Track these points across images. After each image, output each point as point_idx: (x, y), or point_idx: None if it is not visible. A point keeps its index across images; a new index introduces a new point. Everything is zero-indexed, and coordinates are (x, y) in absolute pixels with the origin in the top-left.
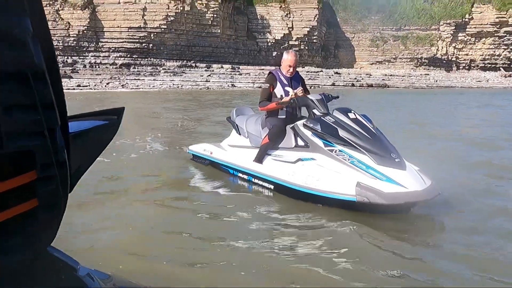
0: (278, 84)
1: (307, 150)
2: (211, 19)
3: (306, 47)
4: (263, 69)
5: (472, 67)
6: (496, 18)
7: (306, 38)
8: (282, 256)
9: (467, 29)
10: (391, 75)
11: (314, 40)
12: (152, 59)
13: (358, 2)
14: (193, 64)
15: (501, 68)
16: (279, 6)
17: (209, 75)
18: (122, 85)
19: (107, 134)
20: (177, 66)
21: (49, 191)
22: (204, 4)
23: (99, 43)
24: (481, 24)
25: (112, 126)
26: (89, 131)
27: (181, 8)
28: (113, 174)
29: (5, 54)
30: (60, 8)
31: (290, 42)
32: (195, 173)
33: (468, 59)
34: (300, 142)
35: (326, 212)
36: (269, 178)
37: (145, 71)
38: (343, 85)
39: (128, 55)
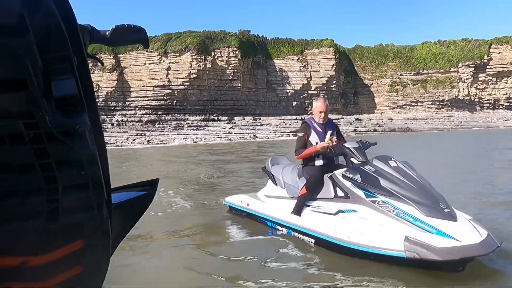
0: (313, 132)
1: (347, 201)
2: (232, 74)
3: (326, 96)
4: (283, 119)
5: (497, 107)
6: None
7: (325, 87)
8: None
9: (487, 70)
10: (413, 119)
11: (333, 88)
12: (176, 114)
13: (374, 50)
14: (216, 118)
15: None
16: (297, 58)
17: (231, 127)
18: (148, 141)
19: (144, 204)
20: (200, 120)
21: (94, 258)
22: (225, 61)
23: (126, 102)
24: (501, 64)
25: (149, 196)
26: (128, 202)
27: (203, 66)
28: (147, 231)
29: (68, 146)
30: (90, 72)
31: (309, 92)
32: (232, 227)
33: (491, 99)
34: (340, 193)
35: (373, 268)
36: (310, 232)
37: (169, 126)
38: (365, 131)
39: (153, 112)
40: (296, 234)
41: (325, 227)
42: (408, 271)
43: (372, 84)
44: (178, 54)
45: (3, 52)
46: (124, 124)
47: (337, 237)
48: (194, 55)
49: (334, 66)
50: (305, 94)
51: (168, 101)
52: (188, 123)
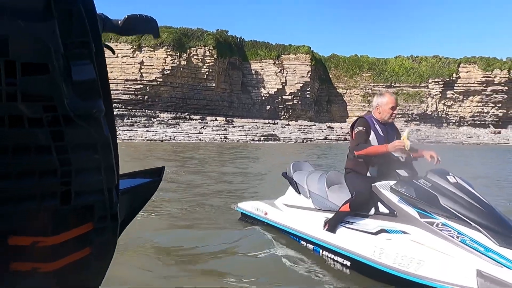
0: (372, 133)
1: (393, 219)
2: (207, 73)
3: (299, 102)
4: (256, 122)
5: (462, 124)
6: (482, 77)
7: (299, 93)
8: None
9: (455, 87)
10: None
11: (307, 95)
12: (146, 110)
13: (349, 60)
14: (187, 116)
15: (490, 125)
16: (273, 62)
17: (202, 127)
18: None
19: (150, 191)
20: (171, 118)
21: (102, 241)
22: (200, 59)
23: None
24: (468, 83)
25: (154, 184)
26: (135, 188)
27: (178, 63)
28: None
29: (84, 130)
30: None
31: (284, 97)
32: (250, 237)
33: (457, 116)
34: (383, 209)
35: None
36: (345, 253)
37: (138, 122)
38: (335, 139)
39: (123, 106)
40: (325, 253)
41: (367, 249)
42: None
43: (345, 93)
44: (152, 49)
45: (28, 35)
46: None
47: (385, 264)
48: (169, 51)
49: (310, 73)
50: (279, 99)
51: (139, 96)
52: (159, 120)
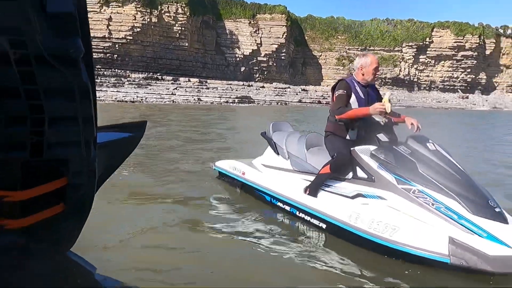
0: (353, 95)
1: (371, 184)
2: (179, 32)
3: (274, 64)
4: (230, 84)
5: (432, 88)
6: (454, 42)
7: (275, 55)
8: None
9: (427, 52)
10: None
11: (282, 57)
12: (116, 70)
13: (325, 22)
14: (159, 77)
15: (459, 90)
16: (248, 22)
17: (175, 88)
18: None
19: (130, 146)
20: (143, 78)
21: (78, 198)
22: (172, 17)
23: None
24: (441, 48)
25: (135, 139)
26: (114, 143)
27: (148, 20)
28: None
29: (59, 71)
30: None
31: (259, 58)
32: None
33: (428, 80)
34: (361, 173)
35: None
36: (321, 216)
37: (108, 82)
38: (309, 102)
39: None
40: (301, 214)
41: (343, 213)
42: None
43: (320, 56)
44: (121, 4)
45: None
46: None
47: (361, 228)
48: (139, 7)
49: (285, 34)
50: (254, 61)
51: (108, 54)
52: (129, 80)
